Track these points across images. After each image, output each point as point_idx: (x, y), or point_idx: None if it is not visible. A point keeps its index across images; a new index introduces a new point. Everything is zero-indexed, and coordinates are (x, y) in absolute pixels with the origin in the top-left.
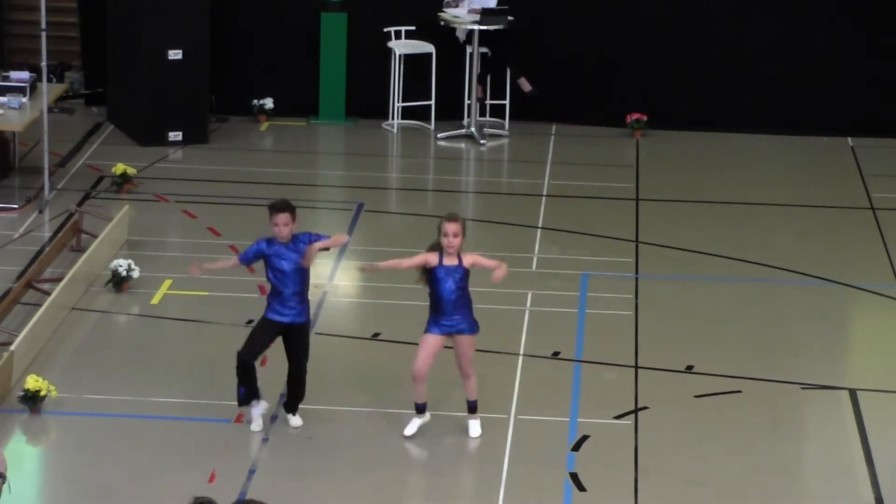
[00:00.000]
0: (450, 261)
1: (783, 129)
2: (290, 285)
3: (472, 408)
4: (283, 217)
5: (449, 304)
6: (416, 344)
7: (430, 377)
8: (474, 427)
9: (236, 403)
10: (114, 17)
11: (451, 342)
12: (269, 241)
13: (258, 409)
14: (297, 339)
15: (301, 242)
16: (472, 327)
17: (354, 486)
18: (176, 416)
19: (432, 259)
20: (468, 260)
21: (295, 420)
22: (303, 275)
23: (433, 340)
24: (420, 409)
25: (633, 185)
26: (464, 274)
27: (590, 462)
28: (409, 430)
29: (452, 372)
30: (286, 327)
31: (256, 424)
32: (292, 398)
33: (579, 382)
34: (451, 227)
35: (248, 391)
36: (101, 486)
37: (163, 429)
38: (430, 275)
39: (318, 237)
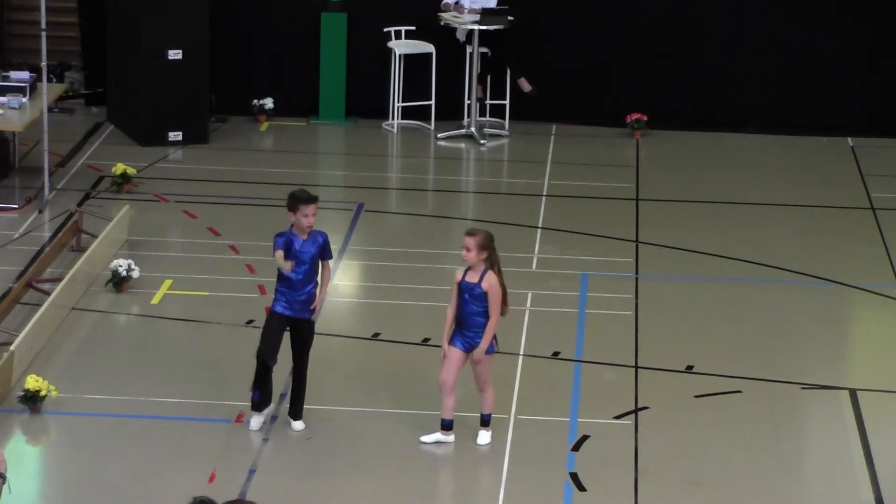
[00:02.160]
0: (471, 277)
1: (783, 129)
2: (303, 278)
3: (484, 420)
4: (311, 208)
5: (467, 318)
6: (417, 344)
7: (429, 378)
8: (483, 436)
9: (236, 403)
10: (114, 17)
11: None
12: (285, 235)
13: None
14: (304, 331)
15: (319, 237)
16: (488, 346)
17: (354, 486)
18: (176, 416)
19: (459, 274)
20: (487, 282)
21: (297, 424)
22: (315, 269)
23: (455, 354)
24: (445, 426)
25: (633, 185)
26: (481, 293)
27: (590, 462)
28: (427, 438)
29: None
30: (294, 320)
31: (256, 423)
32: (296, 395)
33: (579, 382)
34: (465, 241)
35: (262, 395)
36: (101, 486)
37: (163, 429)
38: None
39: (328, 250)
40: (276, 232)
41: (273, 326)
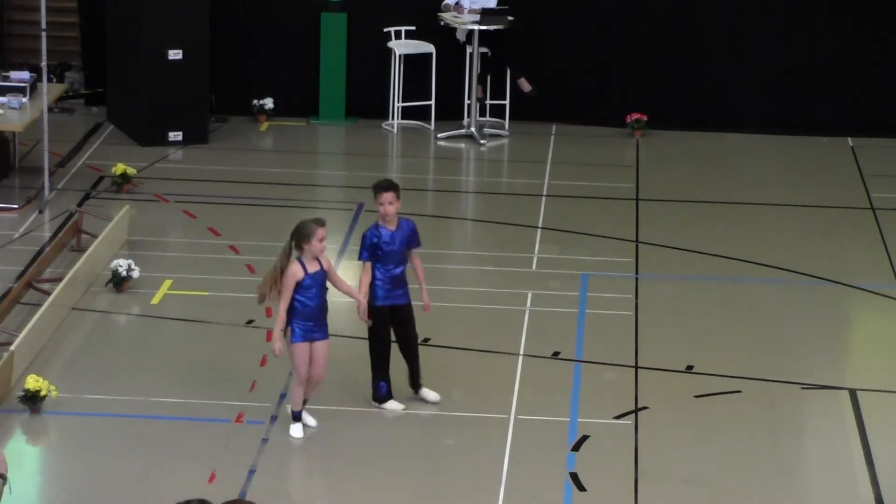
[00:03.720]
0: (313, 266)
1: (783, 129)
2: (394, 267)
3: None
4: (387, 196)
5: (316, 310)
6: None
7: (429, 378)
8: (305, 422)
9: (236, 403)
10: (114, 17)
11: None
12: (375, 229)
13: (394, 405)
14: (407, 316)
15: (408, 226)
16: (326, 332)
17: (354, 486)
18: (176, 416)
19: (298, 272)
20: (326, 262)
21: (431, 395)
22: (405, 257)
23: (306, 350)
24: (297, 417)
25: (633, 185)
26: (325, 277)
27: (590, 462)
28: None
29: (450, 371)
30: (396, 309)
31: (397, 406)
32: (414, 372)
33: (579, 382)
34: (323, 232)
35: (388, 385)
36: (101, 486)
37: (163, 429)
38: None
39: (417, 236)
40: (275, 232)
41: (382, 321)
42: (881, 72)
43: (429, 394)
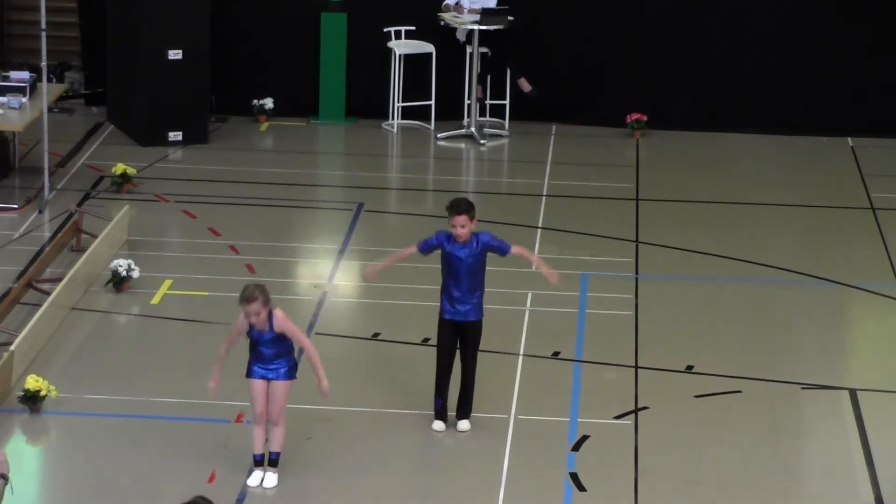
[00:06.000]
0: (261, 326)
1: (783, 129)
2: (462, 283)
3: (274, 461)
4: (460, 219)
5: (270, 358)
6: (417, 344)
7: (429, 378)
8: (270, 478)
9: (236, 403)
10: (114, 17)
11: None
12: (449, 238)
13: (437, 425)
14: (469, 333)
15: (480, 242)
16: (290, 373)
17: (354, 486)
18: (176, 416)
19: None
20: (278, 324)
21: (463, 424)
22: (476, 273)
23: (261, 387)
24: (258, 461)
25: (633, 185)
26: (274, 337)
27: (590, 462)
28: (252, 480)
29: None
30: (459, 325)
31: (440, 426)
32: (462, 399)
33: (579, 382)
34: (249, 307)
35: (444, 402)
36: (101, 486)
37: (163, 429)
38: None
39: (498, 243)
40: (275, 232)
41: (442, 332)
42: (881, 72)
43: (463, 424)
